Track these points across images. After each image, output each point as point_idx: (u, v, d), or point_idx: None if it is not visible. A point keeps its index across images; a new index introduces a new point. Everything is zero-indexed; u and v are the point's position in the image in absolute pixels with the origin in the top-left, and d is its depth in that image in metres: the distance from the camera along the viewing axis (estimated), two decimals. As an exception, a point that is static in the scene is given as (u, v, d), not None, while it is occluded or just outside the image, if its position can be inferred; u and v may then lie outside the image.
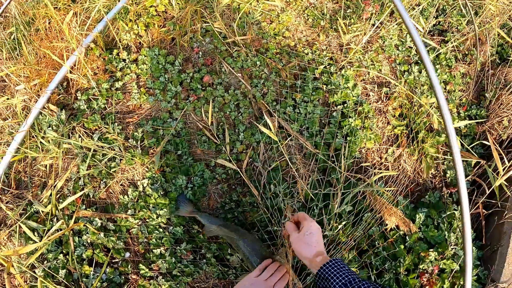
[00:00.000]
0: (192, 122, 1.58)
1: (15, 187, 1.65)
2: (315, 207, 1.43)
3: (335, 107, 1.62)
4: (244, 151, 1.52)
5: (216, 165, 1.51)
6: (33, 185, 1.65)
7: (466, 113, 1.89)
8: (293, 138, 1.50)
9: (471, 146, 1.78)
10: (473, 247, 1.57)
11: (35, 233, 1.50)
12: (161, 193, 1.47)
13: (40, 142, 1.61)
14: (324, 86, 1.65)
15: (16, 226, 1.53)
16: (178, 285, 1.38)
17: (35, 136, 1.61)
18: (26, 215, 1.54)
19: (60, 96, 1.72)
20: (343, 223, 1.42)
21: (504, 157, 1.66)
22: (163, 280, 1.38)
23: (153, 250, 1.42)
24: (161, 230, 1.44)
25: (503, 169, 1.55)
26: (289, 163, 1.45)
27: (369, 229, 1.47)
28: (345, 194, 1.48)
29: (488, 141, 1.81)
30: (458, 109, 1.88)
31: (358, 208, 1.49)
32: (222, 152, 1.51)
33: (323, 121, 1.60)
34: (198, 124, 1.56)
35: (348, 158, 1.53)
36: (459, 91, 1.89)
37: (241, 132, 1.54)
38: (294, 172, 1.42)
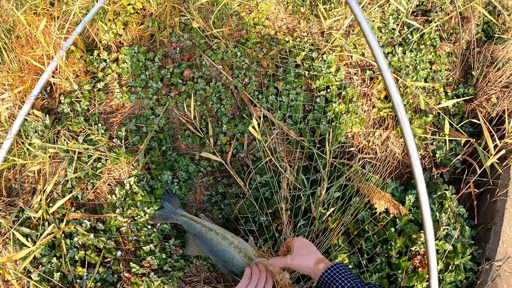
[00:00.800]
0: (175, 117, 1.57)
1: (7, 195, 1.66)
2: (302, 195, 1.42)
3: (319, 93, 1.61)
4: (228, 143, 1.51)
5: (200, 158, 1.51)
6: (24, 192, 1.66)
7: (453, 92, 1.87)
8: (277, 127, 1.49)
9: (459, 125, 1.76)
10: (466, 227, 1.55)
11: (29, 239, 1.51)
12: (147, 190, 1.47)
13: (27, 149, 1.61)
14: (306, 72, 1.63)
15: (10, 234, 1.54)
16: (170, 280, 1.38)
17: (22, 143, 1.61)
18: (19, 222, 1.55)
19: (44, 101, 1.72)
20: (332, 209, 1.42)
21: (494, 134, 1.64)
22: (155, 276, 1.38)
23: (143, 247, 1.42)
24: (149, 227, 1.44)
25: (494, 147, 1.53)
26: (272, 156, 1.44)
27: (358, 214, 1.46)
28: (331, 180, 1.47)
29: (477, 120, 1.79)
30: (445, 89, 1.86)
31: (346, 194, 1.48)
32: (206, 145, 1.50)
33: (307, 108, 1.59)
34: (181, 119, 1.55)
35: (334, 143, 1.52)
36: (445, 70, 1.87)
37: (224, 124, 1.53)
38: (277, 163, 1.41)
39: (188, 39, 1.63)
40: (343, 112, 1.57)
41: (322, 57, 1.66)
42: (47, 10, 1.85)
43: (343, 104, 1.57)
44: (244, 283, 1.13)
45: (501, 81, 1.86)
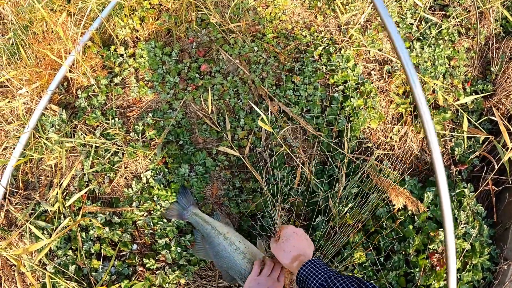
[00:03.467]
0: (192, 112, 1.57)
1: (24, 189, 1.67)
2: (319, 191, 1.41)
3: (336, 88, 1.59)
4: (245, 137, 1.51)
5: (218, 152, 1.50)
6: (40, 185, 1.67)
7: (472, 88, 1.83)
8: (294, 122, 1.48)
9: (478, 122, 1.73)
10: (485, 225, 1.52)
11: (44, 232, 1.52)
12: (164, 184, 1.47)
13: (44, 143, 1.63)
14: (324, 67, 1.62)
15: (26, 227, 1.55)
16: (185, 275, 1.38)
17: (39, 137, 1.63)
18: (35, 215, 1.56)
19: (62, 96, 1.73)
20: (349, 205, 1.40)
21: (512, 132, 1.60)
22: (170, 270, 1.38)
23: (158, 241, 1.42)
24: (165, 221, 1.44)
25: (513, 144, 1.50)
26: (289, 150, 1.43)
27: (376, 210, 1.44)
28: (349, 176, 1.45)
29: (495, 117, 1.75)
30: (464, 85, 1.83)
31: (363, 190, 1.46)
32: (223, 140, 1.50)
33: (324, 103, 1.57)
34: (198, 113, 1.55)
35: (352, 139, 1.50)
36: (463, 66, 1.84)
37: (242, 118, 1.52)
38: (295, 157, 1.40)
39: (205, 34, 1.63)
40: (361, 107, 1.55)
41: (340, 52, 1.64)
42: (64, 6, 1.86)
43: (361, 99, 1.56)
44: (255, 273, 1.13)
45: (521, 77, 1.82)
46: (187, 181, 1.44)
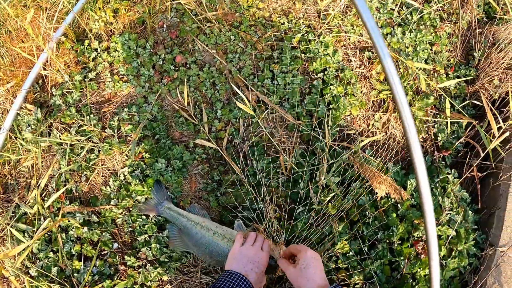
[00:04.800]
0: (168, 105, 1.53)
1: (3, 191, 1.63)
2: (300, 180, 1.38)
3: (316, 75, 1.56)
4: (223, 129, 1.47)
5: (195, 145, 1.47)
6: (19, 187, 1.63)
7: (454, 73, 1.81)
8: (273, 111, 1.45)
9: (461, 105, 1.71)
10: (470, 211, 1.51)
11: (26, 235, 1.49)
12: (141, 179, 1.43)
13: (21, 144, 1.58)
14: (303, 55, 1.58)
15: (7, 230, 1.52)
16: (167, 271, 1.35)
17: (15, 137, 1.58)
18: (16, 218, 1.52)
19: (37, 94, 1.68)
20: (331, 194, 1.37)
21: (498, 116, 1.58)
22: (152, 267, 1.35)
23: (138, 239, 1.39)
24: (144, 217, 1.41)
25: (497, 129, 1.48)
26: (270, 137, 1.40)
27: (359, 199, 1.42)
28: (331, 164, 1.43)
29: (479, 101, 1.73)
30: (446, 70, 1.80)
31: (346, 179, 1.43)
32: (200, 132, 1.46)
33: (304, 91, 1.54)
34: (174, 106, 1.51)
35: (332, 127, 1.47)
36: (446, 51, 1.81)
37: (219, 110, 1.49)
38: (276, 144, 1.37)
39: (174, 16, 1.59)
40: (341, 95, 1.52)
41: (319, 39, 1.61)
42: (37, 2, 1.81)
43: (341, 86, 1.52)
44: (238, 244, 1.12)
45: (503, 62, 1.80)
46: (162, 176, 1.40)
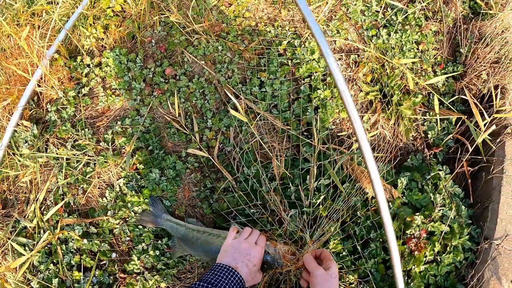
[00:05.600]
0: (160, 116, 1.57)
1: (2, 207, 1.67)
2: (290, 184, 1.41)
3: (303, 81, 1.59)
4: (214, 138, 1.51)
5: (187, 155, 1.50)
6: (19, 202, 1.67)
7: (442, 71, 1.83)
8: (263, 118, 1.48)
9: (450, 101, 1.73)
10: (463, 206, 1.52)
11: (26, 248, 1.52)
12: (137, 190, 1.47)
13: (18, 160, 1.63)
14: (290, 61, 1.61)
15: (8, 245, 1.55)
16: (164, 278, 1.38)
17: (13, 154, 1.63)
18: (16, 232, 1.56)
19: (32, 111, 1.73)
20: (322, 197, 1.40)
21: (484, 111, 1.60)
22: (149, 275, 1.38)
23: (136, 248, 1.42)
24: (140, 227, 1.44)
25: (486, 124, 1.50)
26: (262, 143, 1.43)
27: (349, 200, 1.44)
28: (321, 167, 1.45)
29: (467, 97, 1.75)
30: (434, 68, 1.83)
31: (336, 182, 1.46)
32: (192, 142, 1.50)
33: (292, 97, 1.57)
34: (166, 117, 1.55)
35: (322, 130, 1.50)
36: (432, 49, 1.84)
37: (209, 119, 1.52)
38: (267, 150, 1.40)
39: (162, 30, 1.63)
40: (328, 98, 1.55)
41: (305, 44, 1.64)
42: (29, 20, 1.86)
43: (328, 90, 1.55)
44: (231, 237, 1.09)
45: (490, 57, 1.82)
46: (158, 185, 1.44)
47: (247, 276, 0.99)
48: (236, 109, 1.43)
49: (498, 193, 1.60)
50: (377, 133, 1.61)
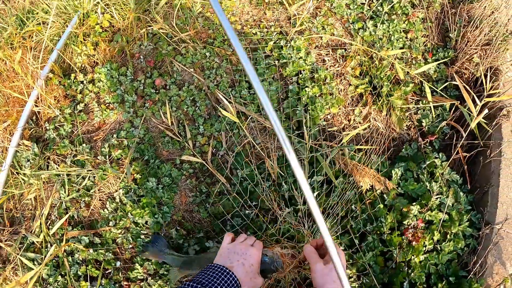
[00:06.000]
0: (154, 126, 1.60)
1: (9, 225, 1.73)
2: (284, 184, 1.42)
3: (291, 79, 1.60)
4: (206, 143, 1.53)
5: (182, 162, 1.53)
6: (25, 219, 1.73)
7: (433, 58, 1.82)
8: (253, 120, 1.50)
9: (441, 88, 1.71)
10: (461, 193, 1.51)
11: (35, 262, 1.58)
12: (135, 199, 1.51)
13: (22, 178, 1.68)
14: (277, 61, 1.63)
15: (17, 259, 1.61)
16: (168, 283, 1.41)
17: (17, 173, 1.68)
18: (23, 247, 1.62)
19: (32, 130, 1.78)
20: (316, 193, 1.41)
21: (476, 98, 1.58)
22: (153, 280, 1.42)
23: (139, 256, 1.46)
24: (142, 236, 1.47)
25: (479, 109, 1.48)
26: (255, 143, 1.45)
27: (344, 194, 1.44)
28: (313, 164, 1.46)
29: (460, 82, 1.74)
30: (425, 55, 1.82)
31: (329, 176, 1.46)
32: (186, 149, 1.53)
33: (281, 97, 1.58)
34: (159, 127, 1.58)
35: (312, 127, 1.51)
36: (421, 37, 1.83)
37: (201, 125, 1.55)
38: (259, 150, 1.42)
39: (148, 44, 1.66)
40: (317, 95, 1.56)
41: (291, 43, 1.65)
42: (22, 43, 1.91)
43: (316, 87, 1.56)
44: (227, 241, 1.07)
45: (481, 39, 1.80)
46: (155, 193, 1.47)
47: (244, 276, 0.96)
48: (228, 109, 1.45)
49: (497, 177, 1.58)
50: (369, 125, 1.61)
